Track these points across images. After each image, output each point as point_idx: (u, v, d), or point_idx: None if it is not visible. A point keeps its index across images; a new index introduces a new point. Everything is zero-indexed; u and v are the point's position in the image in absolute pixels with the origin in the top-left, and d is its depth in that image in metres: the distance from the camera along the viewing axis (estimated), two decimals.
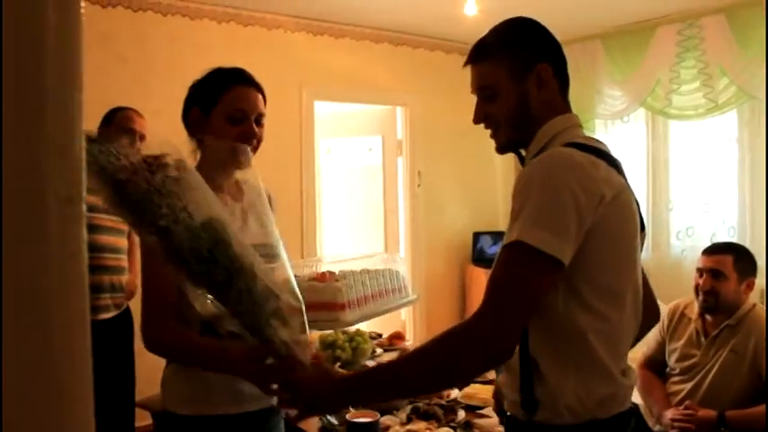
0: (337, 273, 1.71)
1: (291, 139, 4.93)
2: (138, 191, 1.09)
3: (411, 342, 3.37)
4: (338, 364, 2.80)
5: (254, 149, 1.72)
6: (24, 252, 0.42)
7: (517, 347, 1.26)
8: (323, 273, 1.81)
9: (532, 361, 1.29)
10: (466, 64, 1.49)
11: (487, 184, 6.02)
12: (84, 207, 0.45)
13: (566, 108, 1.47)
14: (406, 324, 5.71)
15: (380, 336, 3.39)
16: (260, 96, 1.75)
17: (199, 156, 1.76)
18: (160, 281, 1.51)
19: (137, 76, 4.18)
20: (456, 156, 5.78)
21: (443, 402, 2.31)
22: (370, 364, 2.84)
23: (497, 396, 1.69)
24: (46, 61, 0.44)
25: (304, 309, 1.36)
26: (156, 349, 1.59)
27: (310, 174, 5.10)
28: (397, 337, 3.30)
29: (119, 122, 2.90)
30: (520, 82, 1.40)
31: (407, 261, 5.69)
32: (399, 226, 5.77)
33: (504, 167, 6.09)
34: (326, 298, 1.67)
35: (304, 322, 1.35)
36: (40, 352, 0.42)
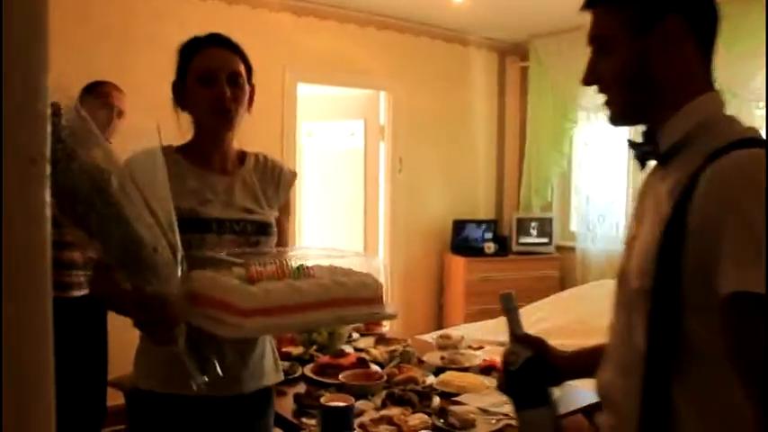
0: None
1: (273, 120, 4.88)
2: None
3: (388, 328, 3.35)
4: (314, 347, 2.78)
5: (233, 111, 1.68)
6: None
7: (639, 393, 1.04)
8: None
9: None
10: (584, 8, 1.20)
11: (469, 172, 6.00)
12: (49, 169, 0.42)
13: (708, 81, 1.12)
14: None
15: None
16: (234, 56, 1.70)
17: (193, 130, 1.73)
18: None
19: (119, 51, 4.10)
20: (438, 143, 5.76)
21: (419, 389, 2.29)
22: (347, 348, 2.83)
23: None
24: (10, 14, 0.41)
25: (180, 267, 1.37)
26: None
27: (291, 156, 5.05)
28: (375, 323, 3.28)
29: (97, 96, 2.85)
30: (639, 33, 1.09)
31: (386, 247, 5.69)
32: (379, 212, 5.74)
33: (486, 156, 6.09)
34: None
35: (178, 278, 1.38)
36: None
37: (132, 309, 1.40)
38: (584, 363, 1.34)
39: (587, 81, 1.19)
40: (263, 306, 1.34)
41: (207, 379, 1.44)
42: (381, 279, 1.53)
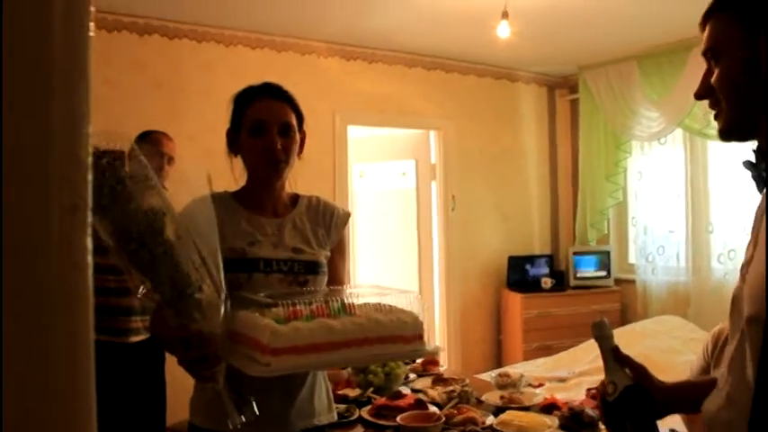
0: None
1: (325, 162, 4.94)
2: None
3: (445, 368, 3.31)
4: (371, 389, 2.76)
5: (283, 161, 1.73)
6: (27, 262, 0.40)
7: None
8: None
9: None
10: (704, 20, 1.13)
11: (523, 208, 5.95)
12: (90, 216, 0.43)
13: None
14: (441, 350, 5.61)
15: (415, 360, 3.34)
16: (285, 107, 1.75)
17: (246, 175, 1.78)
18: None
19: (172, 102, 4.23)
20: (490, 179, 5.74)
21: (478, 429, 2.25)
22: (404, 389, 2.80)
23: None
24: (52, 63, 0.42)
25: (223, 306, 1.41)
26: None
27: (344, 198, 5.09)
28: (432, 362, 3.24)
29: (149, 143, 2.93)
30: (754, 37, 1.03)
31: (442, 285, 5.64)
32: (433, 250, 5.72)
33: (539, 190, 6.04)
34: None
35: (221, 317, 1.41)
36: (40, 369, 0.40)
37: (177, 346, 1.44)
38: (686, 396, 1.27)
39: (698, 94, 1.14)
40: (291, 344, 1.36)
41: (243, 419, 1.46)
42: (422, 316, 1.53)
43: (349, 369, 2.88)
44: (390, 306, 1.55)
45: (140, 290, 1.40)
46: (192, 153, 3.86)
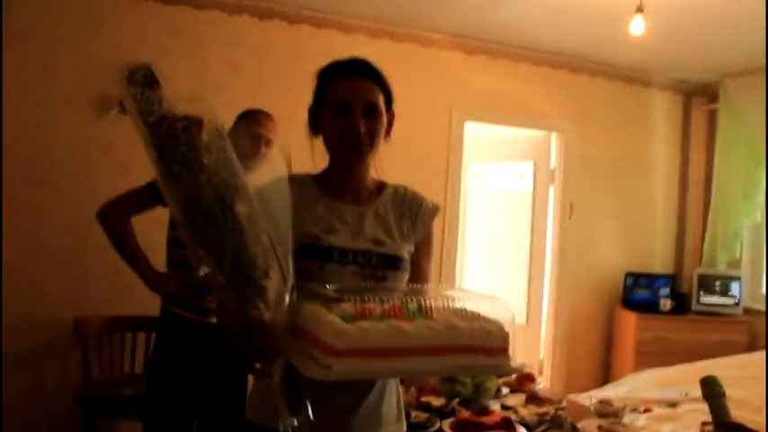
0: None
1: (439, 158, 4.80)
2: (161, 134, 1.25)
3: (543, 385, 3.09)
4: (457, 400, 2.59)
5: (367, 145, 1.57)
6: None
7: None
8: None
9: None
10: None
11: (646, 222, 5.57)
12: None
13: None
14: (543, 364, 5.37)
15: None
16: (372, 85, 1.59)
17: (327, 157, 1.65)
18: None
19: (290, 87, 4.21)
20: (612, 189, 5.40)
21: None
22: (494, 405, 2.61)
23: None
24: None
25: (288, 295, 1.30)
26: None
27: (455, 196, 4.93)
28: (528, 378, 3.03)
29: (249, 122, 2.85)
30: None
31: (551, 296, 5.38)
32: (546, 258, 5.46)
33: (665, 204, 5.63)
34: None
35: (286, 308, 1.30)
36: None
37: (233, 333, 1.33)
38: None
39: None
40: (356, 346, 1.20)
41: (296, 422, 1.31)
42: (510, 327, 1.33)
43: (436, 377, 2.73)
44: (474, 312, 1.37)
45: (202, 268, 1.31)
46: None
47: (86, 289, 3.78)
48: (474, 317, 1.35)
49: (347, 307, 1.27)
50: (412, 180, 1.74)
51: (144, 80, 1.27)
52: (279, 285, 1.30)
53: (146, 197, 2.66)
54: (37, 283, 3.72)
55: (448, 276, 4.88)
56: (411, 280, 1.63)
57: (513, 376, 3.08)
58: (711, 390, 1.10)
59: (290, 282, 1.31)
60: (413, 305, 1.33)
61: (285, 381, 1.32)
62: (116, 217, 2.70)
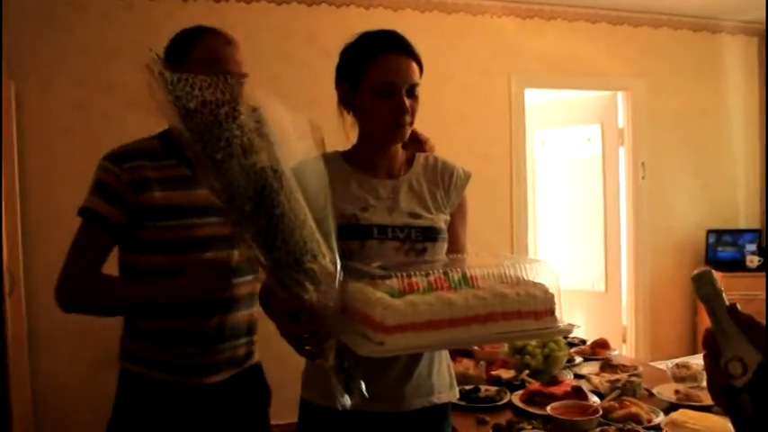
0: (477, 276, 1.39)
1: (501, 129, 4.69)
2: (203, 120, 1.22)
3: (618, 352, 2.98)
4: (527, 371, 2.53)
5: (410, 124, 1.56)
6: None
7: None
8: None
9: None
10: None
11: (725, 176, 5.31)
12: None
13: None
14: (627, 330, 5.21)
15: (584, 342, 3.05)
16: (413, 63, 1.54)
17: (357, 133, 1.63)
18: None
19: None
20: (686, 144, 5.17)
21: (640, 429, 1.96)
22: (566, 375, 2.54)
23: None
24: None
25: (338, 276, 1.29)
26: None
27: (521, 166, 4.81)
28: (602, 345, 2.93)
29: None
30: None
31: (629, 260, 5.21)
32: (621, 222, 5.28)
33: (746, 156, 5.35)
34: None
35: (335, 289, 1.29)
36: None
37: (283, 317, 1.34)
38: None
39: None
40: (407, 321, 1.21)
41: (350, 401, 1.33)
42: (554, 289, 1.32)
43: (505, 348, 2.67)
44: (518, 277, 1.36)
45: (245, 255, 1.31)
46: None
47: None
48: (518, 282, 1.35)
49: (394, 283, 1.28)
50: (474, 153, 1.70)
51: (168, 69, 1.23)
52: (329, 267, 1.30)
53: (93, 235, 1.74)
54: None
55: (519, 248, 4.79)
56: (449, 250, 1.61)
57: (587, 344, 3.00)
58: (707, 289, 0.81)
59: (339, 262, 1.31)
60: (457, 275, 1.33)
61: (338, 360, 1.34)
62: (77, 286, 1.70)
